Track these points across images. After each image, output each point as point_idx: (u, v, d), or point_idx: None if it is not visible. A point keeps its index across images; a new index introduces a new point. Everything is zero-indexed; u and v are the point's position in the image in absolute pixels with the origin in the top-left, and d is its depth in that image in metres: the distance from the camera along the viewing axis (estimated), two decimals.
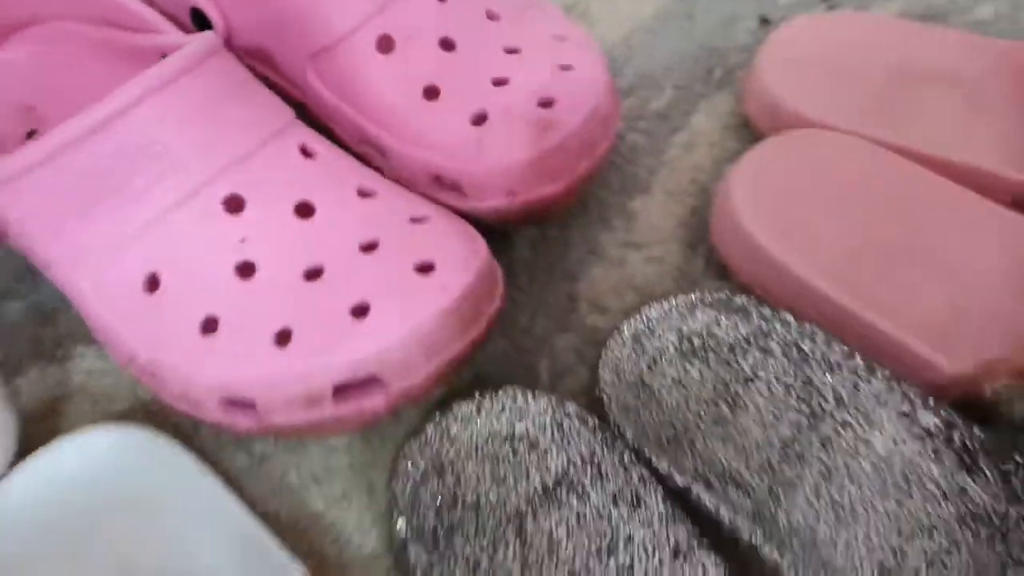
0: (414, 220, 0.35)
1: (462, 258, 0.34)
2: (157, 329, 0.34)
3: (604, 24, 0.50)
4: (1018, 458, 0.32)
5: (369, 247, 0.34)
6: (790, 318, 0.36)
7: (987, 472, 0.32)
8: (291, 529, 0.35)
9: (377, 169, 0.39)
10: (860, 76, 0.44)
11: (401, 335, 0.32)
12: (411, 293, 0.33)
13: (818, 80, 0.43)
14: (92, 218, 0.34)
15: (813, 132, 0.41)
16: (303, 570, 0.32)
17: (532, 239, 0.42)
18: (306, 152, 0.37)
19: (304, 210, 0.35)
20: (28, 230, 0.35)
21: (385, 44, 0.39)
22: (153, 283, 0.34)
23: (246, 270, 0.34)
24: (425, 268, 0.34)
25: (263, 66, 0.41)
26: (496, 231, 0.40)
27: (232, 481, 0.36)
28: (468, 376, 0.38)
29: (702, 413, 0.35)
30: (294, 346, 0.33)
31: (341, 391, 0.33)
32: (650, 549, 0.31)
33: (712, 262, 0.41)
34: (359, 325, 0.33)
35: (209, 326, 0.34)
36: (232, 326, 0.34)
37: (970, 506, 0.32)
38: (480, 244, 0.35)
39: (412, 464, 0.34)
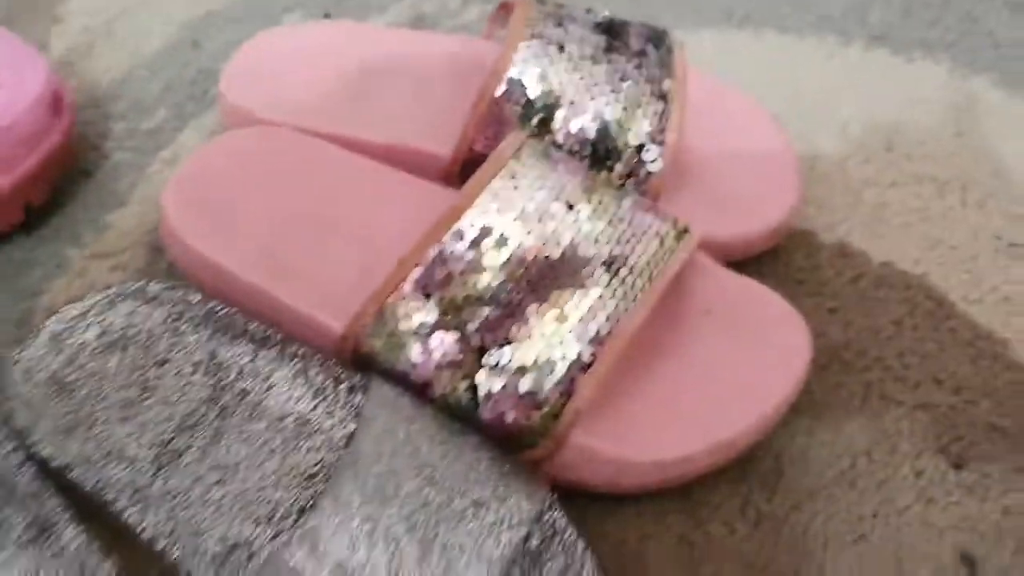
0: None
1: None
2: None
3: (107, 59, 0.52)
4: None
5: None
6: (197, 299, 0.37)
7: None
8: None
9: None
10: (321, 78, 0.47)
11: None
12: None
13: (281, 86, 0.46)
14: None
15: (241, 132, 0.43)
16: None
17: None
18: None
19: None
20: None
21: None
22: None
23: None
24: None
25: None
26: None
27: None
28: None
29: (112, 400, 0.36)
30: None
31: None
32: (18, 528, 0.32)
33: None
34: None
35: None
36: None
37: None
38: None
39: None
